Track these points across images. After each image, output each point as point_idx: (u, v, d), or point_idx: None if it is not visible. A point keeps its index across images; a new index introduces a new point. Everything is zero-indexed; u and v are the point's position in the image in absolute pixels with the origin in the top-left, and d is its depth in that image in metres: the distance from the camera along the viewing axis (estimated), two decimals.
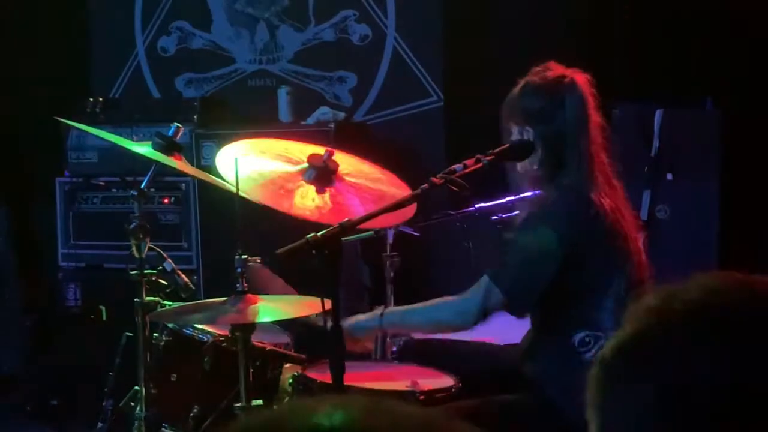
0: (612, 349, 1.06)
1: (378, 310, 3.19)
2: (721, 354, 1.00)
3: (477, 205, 3.51)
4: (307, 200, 3.14)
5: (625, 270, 2.96)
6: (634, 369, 1.04)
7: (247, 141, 3.29)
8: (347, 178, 3.19)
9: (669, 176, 4.47)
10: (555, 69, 3.05)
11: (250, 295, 2.94)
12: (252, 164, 3.13)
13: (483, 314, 2.99)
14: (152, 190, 3.29)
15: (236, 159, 2.94)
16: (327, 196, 3.14)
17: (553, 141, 2.99)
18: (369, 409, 0.85)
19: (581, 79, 3.03)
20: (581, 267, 2.94)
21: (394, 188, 3.22)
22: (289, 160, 3.20)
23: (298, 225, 3.10)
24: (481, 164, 2.87)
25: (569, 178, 2.97)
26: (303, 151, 3.22)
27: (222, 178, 3.12)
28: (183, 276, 3.28)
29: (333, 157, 3.16)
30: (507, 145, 2.99)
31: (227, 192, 3.11)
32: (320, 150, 3.19)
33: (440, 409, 2.88)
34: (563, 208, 2.98)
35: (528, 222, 3.04)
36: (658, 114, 4.46)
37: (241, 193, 2.93)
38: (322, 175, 3.14)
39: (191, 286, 3.31)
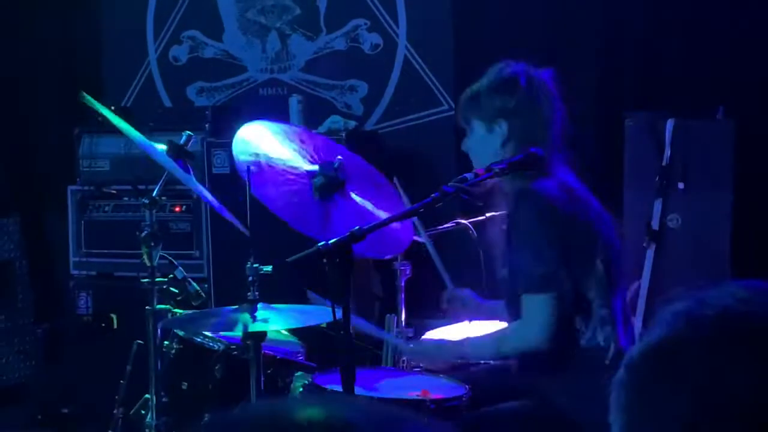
0: (641, 354, 1.05)
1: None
2: (756, 364, 0.98)
3: (488, 214, 3.51)
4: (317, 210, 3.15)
5: (604, 252, 2.99)
6: (665, 375, 1.02)
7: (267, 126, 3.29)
8: (355, 191, 3.19)
9: (680, 185, 4.46)
10: (514, 65, 3.15)
11: (260, 302, 2.94)
12: (267, 149, 3.15)
13: (548, 326, 2.93)
14: (164, 198, 3.29)
15: (249, 168, 2.94)
16: (333, 208, 3.15)
17: (527, 133, 3.06)
18: (345, 404, 0.86)
19: (547, 74, 3.13)
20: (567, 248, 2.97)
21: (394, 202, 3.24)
22: (303, 157, 3.21)
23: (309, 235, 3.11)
24: (491, 173, 2.87)
25: (543, 169, 3.00)
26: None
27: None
28: (194, 284, 3.29)
29: (343, 167, 3.16)
30: (520, 155, 2.99)
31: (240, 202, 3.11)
32: (332, 158, 3.19)
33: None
34: (545, 193, 3.00)
35: (520, 219, 3.04)
36: (670, 123, 4.45)
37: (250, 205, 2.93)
38: (330, 186, 3.14)
39: (202, 294, 3.31)
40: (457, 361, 3.24)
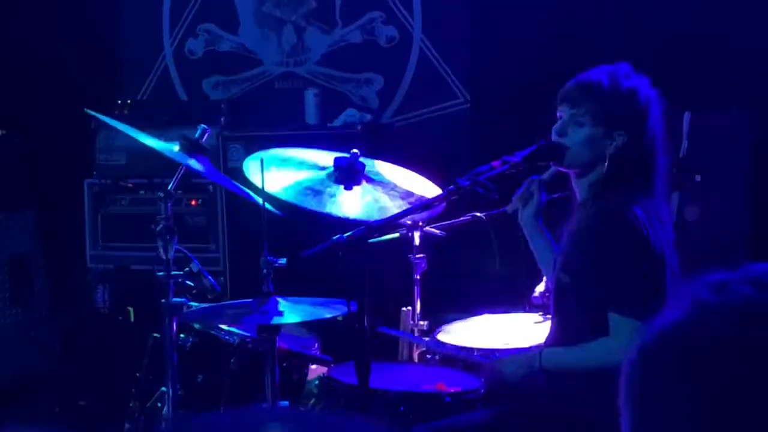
0: (655, 339, 1.03)
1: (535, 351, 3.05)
2: None
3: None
4: (336, 200, 3.14)
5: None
6: (680, 362, 1.00)
7: (273, 151, 3.26)
8: (375, 177, 3.18)
9: (698, 178, 4.44)
10: (632, 73, 2.96)
11: (275, 296, 2.95)
12: (278, 172, 3.13)
13: (628, 348, 2.79)
14: (179, 191, 3.29)
15: (262, 159, 2.94)
16: (355, 195, 3.13)
17: (642, 154, 2.91)
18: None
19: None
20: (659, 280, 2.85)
21: (420, 190, 3.21)
22: (316, 165, 3.19)
23: (325, 226, 3.10)
24: (507, 166, 2.85)
25: (634, 185, 2.90)
26: (329, 157, 3.20)
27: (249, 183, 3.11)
28: (210, 277, 3.29)
29: (359, 159, 3.15)
30: (534, 147, 2.94)
31: (254, 193, 3.11)
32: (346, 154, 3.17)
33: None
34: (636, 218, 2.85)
35: (612, 237, 2.87)
36: (687, 115, 4.43)
37: (267, 198, 2.93)
38: (348, 175, 3.12)
39: (218, 287, 3.31)
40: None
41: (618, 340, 2.81)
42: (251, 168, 3.04)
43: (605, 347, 2.84)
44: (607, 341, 2.85)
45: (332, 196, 3.06)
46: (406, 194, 3.14)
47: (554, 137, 2.95)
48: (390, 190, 3.16)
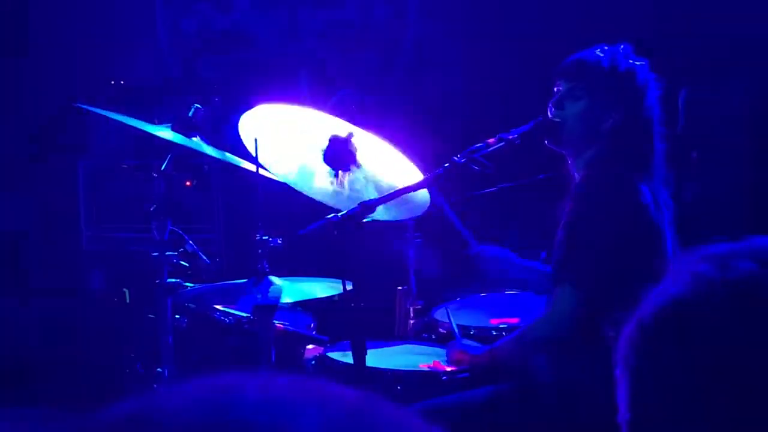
0: (654, 314, 1.01)
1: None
2: None
3: (500, 186, 3.49)
4: (327, 183, 3.13)
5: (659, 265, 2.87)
6: (679, 337, 0.99)
7: (270, 107, 3.24)
8: (367, 161, 3.16)
9: (694, 155, 4.43)
10: (631, 54, 2.96)
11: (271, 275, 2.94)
12: (274, 135, 3.11)
13: (570, 316, 2.80)
14: (173, 172, 3.28)
15: (256, 139, 2.93)
16: (346, 180, 3.12)
17: (636, 134, 2.90)
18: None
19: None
20: (630, 253, 2.82)
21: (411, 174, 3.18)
22: (311, 136, 3.18)
23: (321, 205, 3.09)
24: (503, 143, 2.84)
25: (630, 164, 2.88)
26: (325, 126, 3.17)
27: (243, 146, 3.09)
28: (205, 258, 3.28)
29: (353, 140, 3.13)
30: (531, 124, 2.93)
31: (249, 172, 3.10)
32: (342, 131, 3.15)
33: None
34: (617, 192, 2.86)
35: (582, 207, 2.86)
36: (683, 92, 4.41)
37: (262, 172, 2.91)
38: (341, 157, 3.11)
39: (213, 267, 3.30)
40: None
41: (557, 311, 2.81)
42: (244, 128, 3.04)
43: (546, 321, 2.86)
44: (549, 315, 2.86)
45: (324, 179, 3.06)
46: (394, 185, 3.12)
47: (550, 111, 2.94)
48: (379, 178, 3.14)
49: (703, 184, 4.43)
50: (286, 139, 3.17)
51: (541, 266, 3.23)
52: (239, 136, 3.11)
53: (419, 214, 3.23)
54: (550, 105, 2.96)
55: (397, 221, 3.29)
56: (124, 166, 5.25)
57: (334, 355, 3.04)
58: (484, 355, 2.97)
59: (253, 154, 2.97)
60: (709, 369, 0.96)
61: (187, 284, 3.23)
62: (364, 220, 2.65)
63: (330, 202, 3.08)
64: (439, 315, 3.46)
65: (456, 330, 3.19)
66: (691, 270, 1.01)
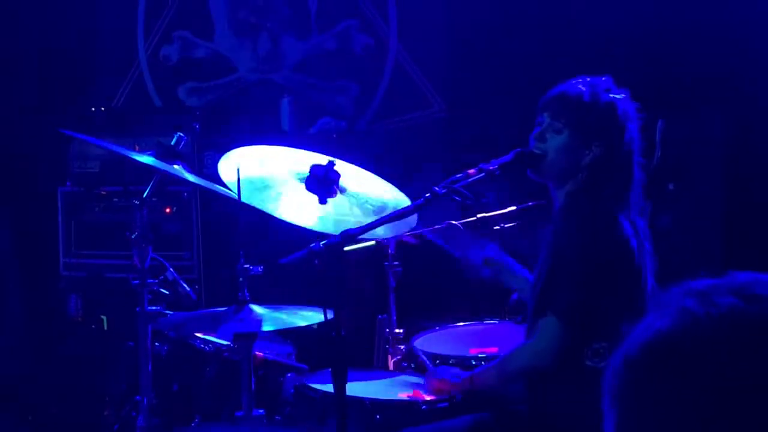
0: (640, 348, 1.02)
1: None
2: (762, 368, 0.96)
3: (479, 215, 3.51)
4: (309, 210, 3.14)
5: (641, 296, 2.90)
6: (665, 373, 0.99)
7: (250, 149, 3.27)
8: (349, 188, 3.18)
9: (671, 186, 4.46)
10: (612, 87, 2.99)
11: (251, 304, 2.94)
12: (255, 172, 3.13)
13: (554, 347, 2.83)
14: (154, 199, 3.28)
15: (238, 168, 2.94)
16: (329, 206, 3.14)
17: (617, 167, 2.93)
18: None
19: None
20: (611, 285, 2.86)
21: (395, 199, 3.21)
22: (291, 169, 3.20)
23: (301, 234, 3.10)
24: (483, 174, 2.86)
25: (609, 197, 2.91)
26: (305, 160, 3.21)
27: (224, 185, 3.11)
28: (185, 285, 3.28)
29: (335, 167, 3.15)
30: (511, 155, 2.95)
31: (229, 201, 3.10)
32: (322, 160, 3.18)
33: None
34: (598, 223, 2.89)
35: (564, 239, 2.89)
36: (660, 123, 4.46)
37: (243, 201, 2.92)
38: (323, 184, 3.13)
39: (193, 295, 3.30)
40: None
41: (542, 341, 2.84)
42: (224, 169, 3.05)
43: (530, 350, 2.88)
44: (533, 344, 2.88)
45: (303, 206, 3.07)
46: (380, 209, 3.15)
47: (532, 143, 2.98)
48: (363, 203, 3.16)
49: (678, 214, 4.47)
50: (265, 175, 3.17)
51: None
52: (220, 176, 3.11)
53: (407, 230, 3.26)
54: (531, 137, 2.99)
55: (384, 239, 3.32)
56: (104, 192, 5.25)
57: (314, 384, 3.04)
58: (465, 381, 2.99)
59: (235, 189, 2.97)
60: (698, 403, 0.97)
61: (167, 312, 3.22)
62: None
63: (316, 228, 3.09)
64: (419, 344, 3.47)
65: (427, 361, 3.22)
66: (677, 305, 1.02)
